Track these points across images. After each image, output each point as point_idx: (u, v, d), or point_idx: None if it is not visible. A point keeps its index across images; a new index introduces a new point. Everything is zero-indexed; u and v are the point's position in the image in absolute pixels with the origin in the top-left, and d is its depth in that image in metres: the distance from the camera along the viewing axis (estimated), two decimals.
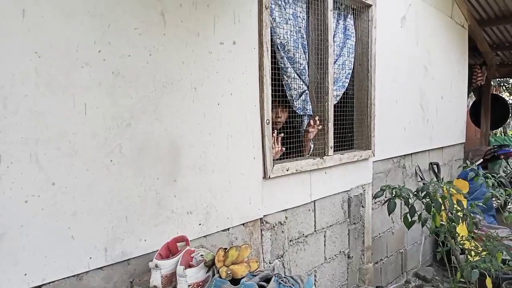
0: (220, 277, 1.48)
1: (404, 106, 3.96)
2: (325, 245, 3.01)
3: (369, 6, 3.19)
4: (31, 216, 1.43)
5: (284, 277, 1.51)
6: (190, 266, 1.55)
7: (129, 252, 1.73)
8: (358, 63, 3.29)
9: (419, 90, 4.29)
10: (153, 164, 1.82)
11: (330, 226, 3.05)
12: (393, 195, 3.08)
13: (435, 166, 4.76)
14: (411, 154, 4.26)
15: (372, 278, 3.55)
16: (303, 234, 2.79)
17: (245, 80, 2.27)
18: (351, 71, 3.17)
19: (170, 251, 1.70)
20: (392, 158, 3.88)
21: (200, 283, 1.53)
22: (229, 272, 1.48)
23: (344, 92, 3.13)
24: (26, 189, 1.42)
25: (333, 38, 2.89)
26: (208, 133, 2.08)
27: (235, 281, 1.49)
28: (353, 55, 3.20)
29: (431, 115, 4.59)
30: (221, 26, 2.12)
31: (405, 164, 4.16)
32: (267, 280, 1.48)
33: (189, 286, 1.51)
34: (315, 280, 2.92)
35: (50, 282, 1.48)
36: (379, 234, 3.75)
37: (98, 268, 1.63)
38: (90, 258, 1.59)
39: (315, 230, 2.90)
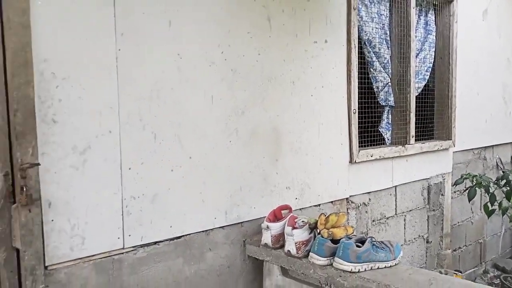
0: (322, 237, 1.79)
1: (485, 99, 4.00)
2: (405, 228, 3.21)
3: (451, 1, 3.32)
4: (175, 182, 1.84)
5: (376, 241, 1.78)
6: (294, 228, 1.88)
7: (243, 217, 2.10)
8: (439, 56, 3.43)
9: (502, 83, 4.28)
10: (260, 146, 2.17)
11: (410, 210, 3.25)
12: (474, 183, 3.19)
13: None
14: (492, 146, 4.28)
15: (450, 264, 3.67)
16: (385, 216, 3.02)
17: (335, 74, 2.56)
18: (431, 65, 3.32)
19: (275, 217, 2.05)
20: (472, 149, 3.95)
21: (304, 242, 1.85)
22: (330, 233, 1.78)
23: (425, 84, 3.29)
24: (172, 161, 1.83)
25: (415, 33, 3.07)
26: (303, 121, 2.40)
27: (334, 241, 1.80)
28: (434, 49, 3.35)
29: None
30: (315, 27, 2.42)
31: (486, 156, 4.19)
32: (362, 242, 1.76)
33: (295, 243, 1.84)
34: None
35: (187, 234, 1.89)
36: (458, 222, 3.85)
37: (220, 227, 2.01)
38: (215, 218, 1.98)
39: (396, 213, 3.12)
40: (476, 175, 3.24)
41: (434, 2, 3.30)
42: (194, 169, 1.90)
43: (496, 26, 4.10)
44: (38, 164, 1.43)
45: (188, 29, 1.86)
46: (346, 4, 2.59)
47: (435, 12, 3.34)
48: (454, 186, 3.51)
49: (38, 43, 1.44)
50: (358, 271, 1.69)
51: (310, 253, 1.82)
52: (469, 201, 3.24)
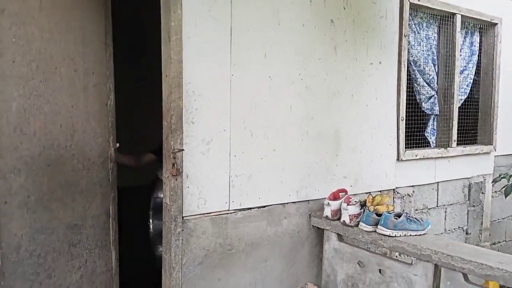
0: (369, 211, 2.46)
1: None
2: (445, 219, 3.76)
3: (495, 24, 3.81)
4: (263, 167, 2.59)
5: (410, 216, 2.42)
6: (349, 205, 2.56)
7: (309, 196, 2.81)
8: (483, 72, 3.93)
9: None
10: (324, 144, 2.87)
11: (450, 204, 3.79)
12: (511, 181, 3.66)
13: None
14: None
15: None
16: (427, 207, 3.60)
17: (387, 88, 3.19)
18: (472, 81, 3.84)
19: (334, 197, 2.74)
20: None
21: (356, 215, 2.53)
22: (375, 208, 2.45)
23: (470, 96, 3.82)
24: (261, 152, 2.58)
25: (460, 53, 3.61)
26: (359, 126, 3.06)
27: (378, 215, 2.46)
28: (476, 67, 3.86)
29: None
30: (371, 52, 3.07)
31: None
32: (399, 215, 2.41)
33: (349, 215, 2.53)
34: None
35: (270, 205, 2.63)
36: (498, 219, 4.31)
37: (292, 202, 2.74)
38: (289, 195, 2.72)
39: (437, 205, 3.68)
40: None
41: (480, 26, 3.81)
42: (276, 158, 2.64)
43: None
44: (183, 150, 2.24)
45: (277, 58, 2.60)
46: (398, 32, 3.21)
47: (480, 34, 3.85)
48: (493, 184, 3.98)
49: (185, 71, 2.24)
50: (395, 236, 2.35)
51: (360, 222, 2.50)
52: (506, 197, 3.70)
